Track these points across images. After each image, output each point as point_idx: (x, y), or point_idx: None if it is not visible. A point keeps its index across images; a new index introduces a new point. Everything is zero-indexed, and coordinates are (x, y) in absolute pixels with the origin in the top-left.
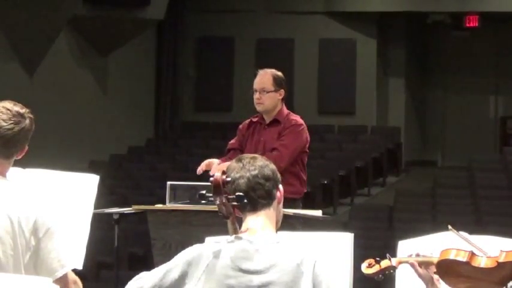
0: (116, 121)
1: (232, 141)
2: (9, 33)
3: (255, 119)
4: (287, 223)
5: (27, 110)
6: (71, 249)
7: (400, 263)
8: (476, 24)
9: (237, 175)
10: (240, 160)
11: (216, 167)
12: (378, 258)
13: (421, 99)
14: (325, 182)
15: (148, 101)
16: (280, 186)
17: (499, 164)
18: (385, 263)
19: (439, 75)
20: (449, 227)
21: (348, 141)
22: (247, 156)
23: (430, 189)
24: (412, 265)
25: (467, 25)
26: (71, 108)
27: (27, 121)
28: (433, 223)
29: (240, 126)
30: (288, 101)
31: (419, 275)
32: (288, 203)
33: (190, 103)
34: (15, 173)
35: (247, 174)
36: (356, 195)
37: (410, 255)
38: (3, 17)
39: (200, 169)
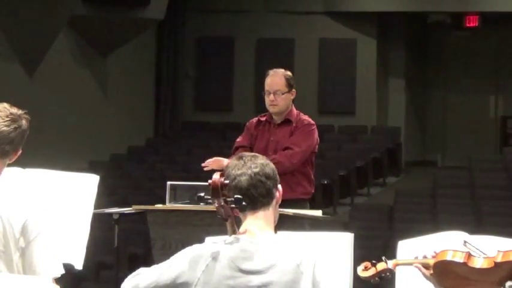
0: (116, 121)
1: (240, 138)
2: (9, 33)
3: (263, 118)
4: (296, 223)
5: (24, 112)
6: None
7: (397, 265)
8: (476, 24)
9: (239, 172)
10: (241, 158)
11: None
12: (374, 261)
13: (421, 99)
14: (325, 182)
15: (148, 101)
16: (279, 187)
17: (499, 164)
18: (381, 266)
19: (439, 75)
20: (464, 241)
21: (348, 141)
22: (248, 154)
23: (430, 189)
24: (418, 268)
25: (467, 25)
26: (71, 108)
27: (24, 121)
28: (433, 223)
29: (248, 124)
30: None
31: (427, 278)
32: (299, 203)
33: (190, 103)
34: (15, 173)
35: (249, 172)
36: (356, 195)
37: (416, 257)
38: (3, 17)
39: (207, 164)
